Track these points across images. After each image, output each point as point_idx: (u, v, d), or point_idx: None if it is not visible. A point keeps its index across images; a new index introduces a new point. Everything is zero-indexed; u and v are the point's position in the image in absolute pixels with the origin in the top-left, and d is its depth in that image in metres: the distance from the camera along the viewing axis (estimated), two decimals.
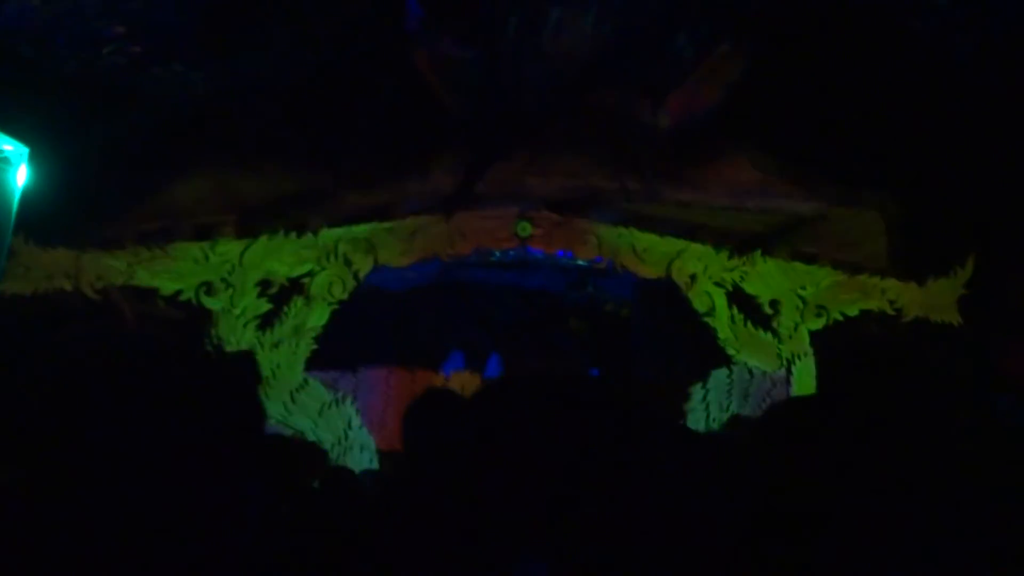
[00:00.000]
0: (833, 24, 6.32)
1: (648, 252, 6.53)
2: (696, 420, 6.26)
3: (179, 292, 6.01)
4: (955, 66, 6.32)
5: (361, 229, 6.24)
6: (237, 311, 6.04)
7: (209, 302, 6.02)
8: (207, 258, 6.04)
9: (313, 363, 6.21)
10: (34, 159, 5.61)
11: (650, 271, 6.56)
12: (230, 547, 2.98)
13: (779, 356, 6.57)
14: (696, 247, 6.58)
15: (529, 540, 3.07)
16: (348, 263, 6.19)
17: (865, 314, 6.72)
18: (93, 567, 2.58)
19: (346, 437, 6.06)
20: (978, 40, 6.30)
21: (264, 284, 6.12)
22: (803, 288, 6.62)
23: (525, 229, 6.38)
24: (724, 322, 6.54)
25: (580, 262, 6.65)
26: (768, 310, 6.62)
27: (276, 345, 6.09)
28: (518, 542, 3.12)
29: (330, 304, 6.18)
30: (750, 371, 6.52)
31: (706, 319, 6.55)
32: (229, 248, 6.08)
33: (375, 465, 5.96)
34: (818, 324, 6.66)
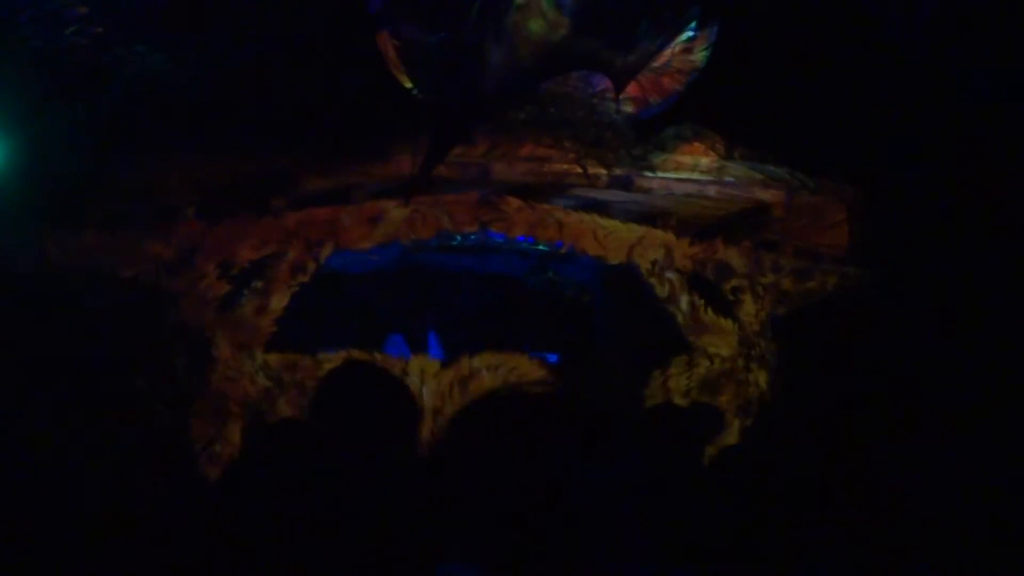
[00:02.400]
0: (796, 11, 6.35)
1: (609, 238, 6.53)
2: (655, 406, 6.29)
3: (139, 274, 6.00)
4: (918, 53, 6.36)
5: (323, 212, 6.23)
6: (197, 293, 6.04)
7: (169, 283, 6.01)
8: (168, 239, 6.02)
9: (274, 345, 6.21)
10: None
11: (611, 256, 6.57)
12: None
13: (740, 343, 6.59)
14: (657, 233, 6.59)
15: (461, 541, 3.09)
16: (309, 246, 6.18)
17: (827, 301, 6.74)
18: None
19: (305, 421, 6.06)
20: (941, 27, 6.34)
21: (225, 266, 6.11)
22: (764, 276, 6.63)
23: (486, 214, 6.38)
24: (685, 309, 6.56)
25: (541, 247, 6.68)
26: (729, 297, 6.63)
27: (236, 327, 6.09)
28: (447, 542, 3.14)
29: (291, 287, 6.18)
30: (710, 357, 6.54)
31: (667, 305, 6.56)
32: (190, 230, 6.06)
33: None
34: (779, 311, 6.69)
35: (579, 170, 6.22)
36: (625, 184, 6.30)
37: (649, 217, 6.61)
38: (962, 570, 5.45)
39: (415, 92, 6.31)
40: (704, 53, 6.41)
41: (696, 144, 6.30)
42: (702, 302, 6.61)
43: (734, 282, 6.62)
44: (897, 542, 5.44)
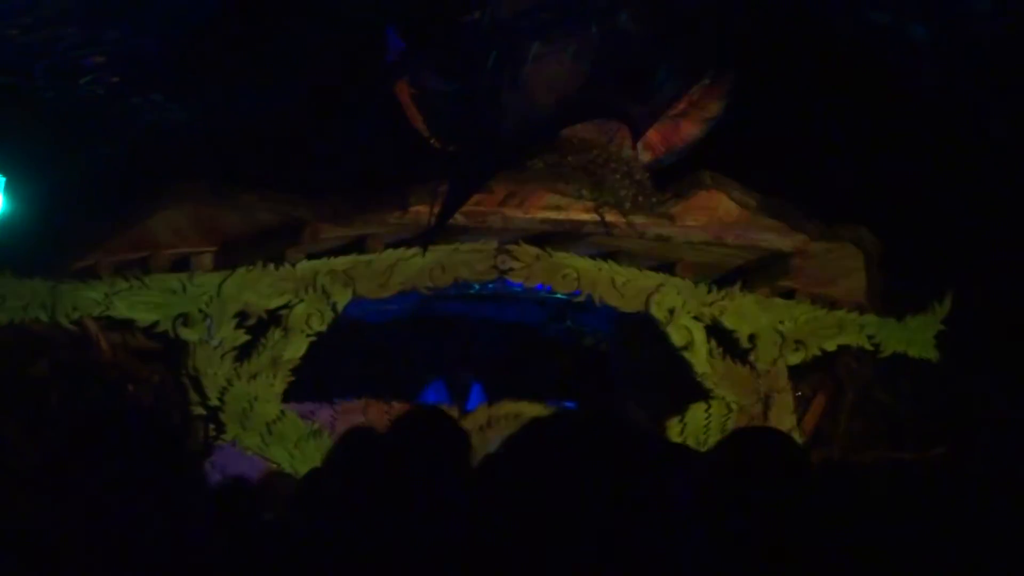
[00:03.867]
0: (813, 59, 6.37)
1: (627, 286, 6.51)
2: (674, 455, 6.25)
3: (156, 323, 5.97)
4: (934, 103, 6.37)
5: (339, 261, 6.20)
6: (214, 342, 6.01)
7: (186, 333, 5.98)
8: (184, 289, 6.00)
9: (290, 395, 6.18)
10: (10, 188, 5.61)
11: (629, 305, 6.54)
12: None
13: (757, 390, 6.56)
14: (675, 281, 6.57)
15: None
16: (326, 295, 6.15)
17: (843, 349, 6.73)
18: None
19: (322, 470, 6.02)
20: (957, 77, 6.35)
21: (241, 315, 6.08)
22: (781, 323, 6.61)
23: (504, 262, 6.37)
24: (702, 356, 6.53)
25: (559, 295, 6.65)
26: (746, 344, 6.61)
27: (253, 377, 6.06)
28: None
29: (308, 336, 6.14)
30: (728, 405, 6.52)
31: (684, 353, 6.54)
32: (207, 279, 6.04)
33: None
34: (796, 359, 6.67)
35: (597, 218, 6.22)
36: (643, 232, 6.30)
37: (667, 265, 6.60)
38: None
39: (432, 141, 6.33)
40: (721, 101, 6.44)
41: (713, 192, 6.28)
42: (720, 350, 6.59)
43: (751, 330, 6.59)
44: None
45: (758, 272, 6.60)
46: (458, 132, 6.26)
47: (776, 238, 6.42)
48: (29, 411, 5.85)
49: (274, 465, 6.06)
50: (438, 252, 6.29)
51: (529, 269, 6.40)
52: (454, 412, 6.28)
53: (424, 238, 6.16)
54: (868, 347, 6.74)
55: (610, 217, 6.22)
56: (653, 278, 6.55)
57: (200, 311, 6.01)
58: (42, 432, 5.74)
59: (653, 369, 6.93)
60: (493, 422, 6.21)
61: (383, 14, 6.21)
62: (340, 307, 6.21)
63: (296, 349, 6.13)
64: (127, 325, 5.99)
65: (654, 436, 6.01)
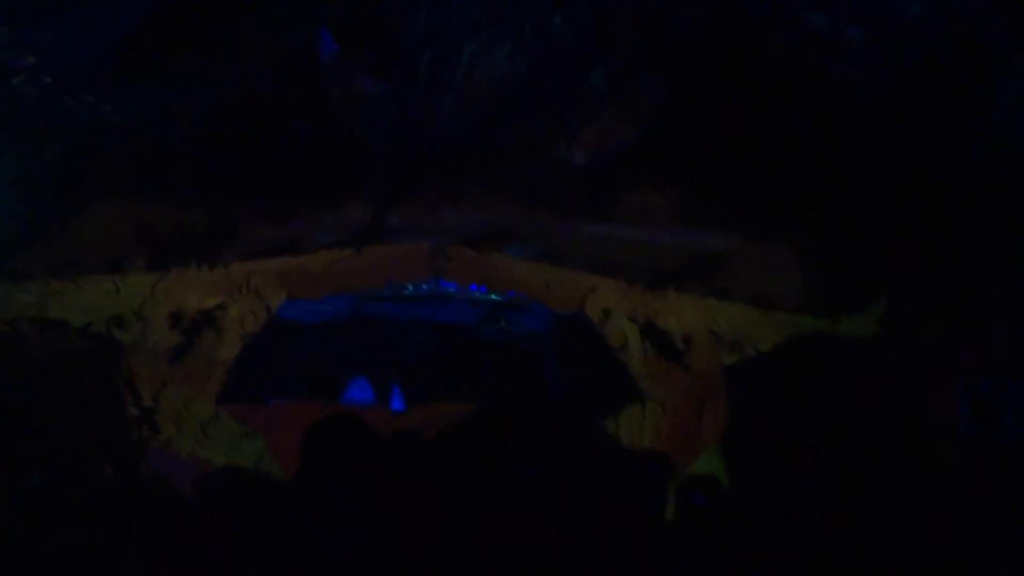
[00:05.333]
0: (748, 61, 6.38)
1: (561, 287, 6.50)
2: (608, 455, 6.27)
3: (90, 324, 5.99)
4: (869, 104, 6.39)
5: (273, 262, 6.21)
6: (148, 344, 6.02)
7: (120, 335, 6.00)
8: (118, 290, 6.01)
9: (225, 396, 6.19)
10: None
11: (563, 305, 6.55)
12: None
13: (692, 392, 6.56)
14: (609, 282, 6.55)
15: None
16: (260, 296, 6.16)
17: (779, 349, 6.74)
18: None
19: (257, 471, 6.04)
20: (892, 79, 6.37)
21: (175, 317, 6.10)
22: (716, 323, 6.62)
23: (438, 263, 6.38)
24: (637, 357, 6.53)
25: (493, 296, 6.66)
26: (681, 345, 6.61)
27: (188, 378, 6.07)
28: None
29: (242, 337, 6.16)
30: (662, 406, 6.52)
31: (619, 354, 6.55)
32: (140, 280, 6.05)
33: None
34: (731, 359, 6.67)
35: (531, 219, 6.24)
36: (577, 233, 6.31)
37: (601, 266, 6.60)
38: None
39: (366, 142, 6.34)
40: (656, 102, 6.46)
41: (647, 193, 6.31)
42: (654, 351, 6.59)
43: (686, 331, 6.59)
44: None
45: (692, 273, 6.58)
46: (392, 133, 6.27)
47: (710, 239, 6.43)
48: None
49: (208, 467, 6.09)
50: (372, 253, 6.30)
51: (463, 270, 6.40)
52: (385, 414, 6.33)
53: (358, 239, 6.18)
54: (803, 347, 6.76)
55: (544, 218, 6.24)
56: (588, 279, 6.54)
57: (134, 312, 6.02)
58: None
59: (587, 370, 6.95)
60: (426, 423, 6.23)
61: (317, 15, 6.21)
62: (274, 308, 6.24)
63: (230, 350, 6.13)
64: (61, 326, 6.00)
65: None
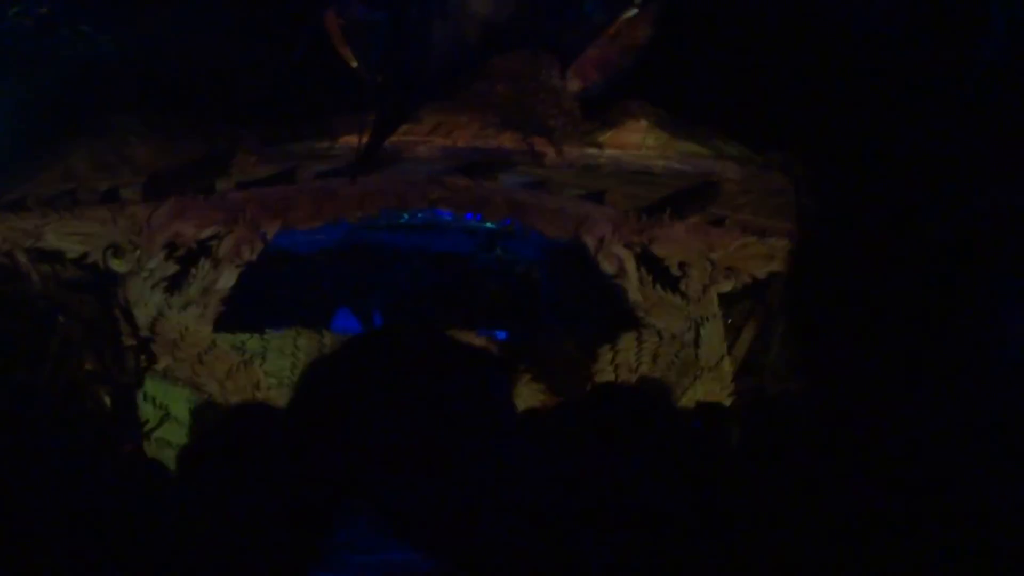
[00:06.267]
0: None
1: (556, 215, 6.53)
2: (605, 382, 6.30)
3: (86, 255, 6.00)
4: (864, 28, 6.37)
5: (269, 191, 6.23)
6: (144, 273, 6.04)
7: (116, 264, 6.01)
8: (115, 220, 6.02)
9: (221, 325, 6.22)
10: None
11: (559, 233, 6.58)
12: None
13: (688, 319, 6.59)
14: (605, 210, 6.59)
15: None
16: (255, 225, 6.18)
17: (774, 277, 6.75)
18: None
19: (254, 399, 6.08)
20: (888, 4, 6.36)
21: (171, 246, 6.12)
22: (712, 251, 6.63)
23: (434, 192, 6.39)
24: (634, 284, 6.55)
25: (489, 224, 6.67)
26: (677, 272, 6.63)
27: (184, 307, 6.10)
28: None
29: (238, 266, 6.18)
30: (659, 333, 6.55)
31: (615, 281, 6.56)
32: (136, 210, 6.06)
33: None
34: (727, 287, 6.69)
35: (526, 147, 6.24)
36: (572, 161, 6.31)
37: (596, 194, 6.61)
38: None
39: (360, 71, 6.33)
40: (649, 29, 6.44)
41: (642, 120, 6.29)
42: (650, 278, 6.61)
43: (681, 258, 6.61)
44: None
45: (688, 200, 6.60)
46: (386, 62, 6.25)
47: (705, 166, 6.43)
48: None
49: (205, 396, 6.14)
50: (367, 182, 6.31)
51: (459, 198, 6.43)
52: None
53: (353, 168, 6.18)
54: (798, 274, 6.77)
55: (539, 146, 6.24)
56: (583, 207, 6.56)
57: (130, 242, 6.04)
58: None
59: (583, 298, 6.98)
60: (422, 348, 6.23)
61: None
62: (269, 237, 6.25)
63: (227, 280, 6.16)
64: (57, 257, 6.02)
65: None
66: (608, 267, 6.54)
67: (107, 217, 6.01)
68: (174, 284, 6.12)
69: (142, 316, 6.04)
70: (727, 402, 6.46)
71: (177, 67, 6.17)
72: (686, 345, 6.55)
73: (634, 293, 6.56)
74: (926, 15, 6.33)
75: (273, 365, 6.31)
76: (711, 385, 6.52)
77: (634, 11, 6.38)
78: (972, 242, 6.33)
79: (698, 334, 6.58)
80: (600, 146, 6.30)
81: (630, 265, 6.57)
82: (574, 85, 6.42)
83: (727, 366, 6.64)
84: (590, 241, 6.53)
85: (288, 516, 2.92)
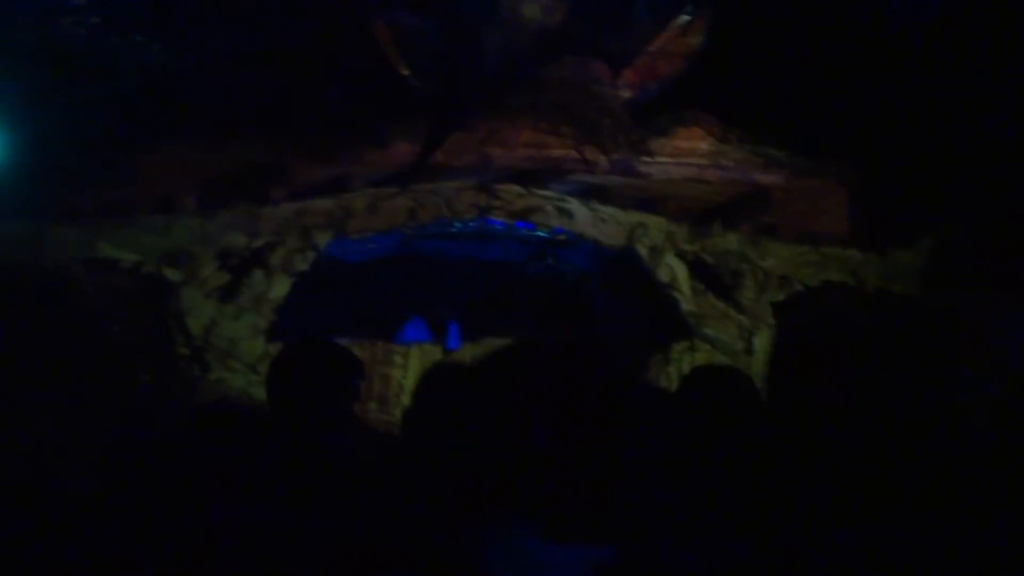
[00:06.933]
0: None
1: (609, 223, 6.51)
2: (658, 393, 6.26)
3: (140, 264, 6.01)
4: (916, 31, 6.33)
5: (321, 201, 6.23)
6: (198, 283, 6.05)
7: (170, 273, 6.02)
8: (168, 230, 6.04)
9: (274, 335, 6.22)
10: None
11: (611, 242, 6.54)
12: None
13: (740, 327, 6.55)
14: (657, 218, 6.55)
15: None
16: (308, 235, 6.18)
17: (827, 285, 6.70)
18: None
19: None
20: (944, 10, 6.32)
21: (225, 256, 6.13)
22: (764, 259, 6.59)
23: (485, 200, 6.38)
24: (686, 294, 6.52)
25: (541, 233, 6.65)
26: (729, 282, 6.59)
27: (237, 316, 6.11)
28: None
29: (290, 276, 6.18)
30: (711, 342, 6.51)
31: (668, 290, 6.53)
32: (190, 220, 6.07)
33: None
34: (779, 295, 6.64)
35: (577, 156, 6.22)
36: (624, 169, 6.29)
37: (648, 202, 6.58)
38: None
39: (412, 80, 6.34)
40: (700, 36, 6.43)
41: (694, 128, 6.28)
42: (702, 287, 6.57)
43: (734, 267, 6.57)
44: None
45: (740, 209, 6.55)
46: (437, 70, 6.27)
47: (757, 174, 6.40)
48: (15, 354, 5.92)
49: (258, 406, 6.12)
50: (419, 191, 6.31)
51: (510, 207, 6.41)
52: (436, 350, 6.35)
53: (405, 177, 6.19)
54: (851, 283, 6.71)
55: (591, 155, 6.22)
56: (634, 216, 6.53)
57: (184, 251, 6.05)
58: (28, 374, 5.82)
59: (636, 307, 6.93)
60: (475, 360, 6.23)
61: None
62: (322, 247, 6.25)
63: (279, 289, 6.17)
64: (111, 266, 6.04)
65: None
66: (661, 276, 6.51)
67: (161, 226, 6.03)
68: (227, 294, 6.12)
69: (195, 326, 6.04)
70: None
71: (230, 77, 6.20)
72: (739, 355, 6.50)
73: (686, 303, 6.53)
74: (983, 20, 6.28)
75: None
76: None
77: (686, 18, 6.37)
78: None
79: (751, 344, 6.53)
80: (652, 154, 6.28)
81: (682, 274, 6.53)
82: (625, 93, 6.42)
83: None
84: (642, 250, 6.50)
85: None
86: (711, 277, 6.60)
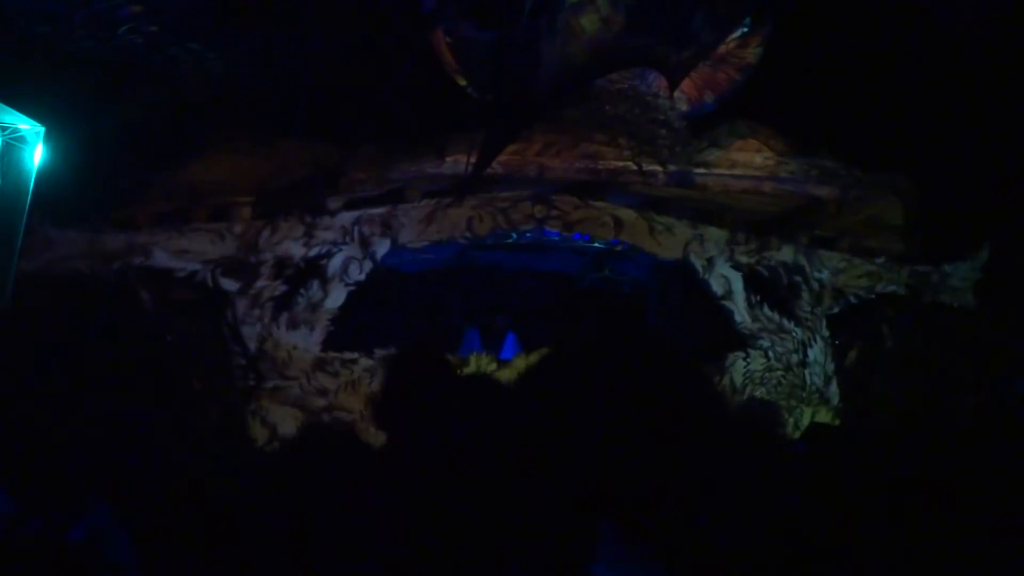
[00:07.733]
0: (850, 5, 6.33)
1: (665, 235, 6.50)
2: (714, 404, 6.24)
3: (195, 273, 5.97)
4: (974, 48, 6.33)
5: (378, 211, 6.21)
6: (253, 292, 6.01)
7: (226, 283, 5.98)
8: (224, 239, 6.00)
9: (330, 345, 6.18)
10: (50, 138, 5.61)
11: (667, 254, 6.54)
12: None
13: (795, 340, 6.54)
14: (713, 230, 6.55)
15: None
16: (365, 244, 6.16)
17: (881, 298, 6.70)
18: None
19: (362, 419, 6.03)
20: (997, 20, 6.31)
21: (280, 265, 6.09)
22: (819, 272, 6.58)
23: (542, 211, 6.36)
24: (741, 305, 6.52)
25: (597, 244, 6.63)
26: (785, 293, 6.59)
27: (293, 327, 6.07)
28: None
29: (347, 286, 6.15)
30: (766, 354, 6.50)
31: (723, 302, 6.53)
32: (246, 229, 6.04)
33: None
34: (834, 307, 6.64)
35: (634, 167, 6.20)
36: (680, 181, 6.27)
37: (705, 214, 6.57)
38: None
39: (469, 90, 6.32)
40: (758, 49, 6.42)
41: (751, 141, 6.26)
42: (758, 298, 6.57)
43: (789, 279, 6.57)
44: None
45: (795, 221, 6.56)
46: (495, 81, 6.24)
47: (813, 186, 6.38)
48: (70, 362, 5.87)
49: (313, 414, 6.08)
50: (476, 201, 6.30)
51: (567, 218, 6.40)
52: (491, 361, 6.31)
53: (462, 187, 6.16)
54: (906, 295, 6.71)
55: (648, 166, 6.20)
56: (691, 227, 6.53)
57: (239, 260, 6.01)
58: (84, 383, 5.77)
59: (691, 318, 6.92)
60: (530, 370, 6.21)
61: None
62: (379, 257, 6.23)
63: (335, 299, 6.14)
64: (166, 275, 6.00)
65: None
66: (716, 288, 6.51)
67: (217, 235, 5.99)
68: (282, 303, 6.08)
69: (250, 335, 6.01)
70: (834, 424, 6.39)
71: (287, 85, 6.18)
72: (793, 367, 6.50)
73: (741, 314, 6.53)
74: None
75: (384, 383, 6.26)
76: (818, 407, 6.46)
77: (743, 30, 6.36)
78: None
79: (805, 355, 6.53)
80: (708, 166, 6.27)
81: (738, 286, 6.53)
82: (682, 105, 6.41)
83: (834, 388, 6.58)
84: (698, 261, 6.50)
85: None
86: (766, 289, 6.60)
